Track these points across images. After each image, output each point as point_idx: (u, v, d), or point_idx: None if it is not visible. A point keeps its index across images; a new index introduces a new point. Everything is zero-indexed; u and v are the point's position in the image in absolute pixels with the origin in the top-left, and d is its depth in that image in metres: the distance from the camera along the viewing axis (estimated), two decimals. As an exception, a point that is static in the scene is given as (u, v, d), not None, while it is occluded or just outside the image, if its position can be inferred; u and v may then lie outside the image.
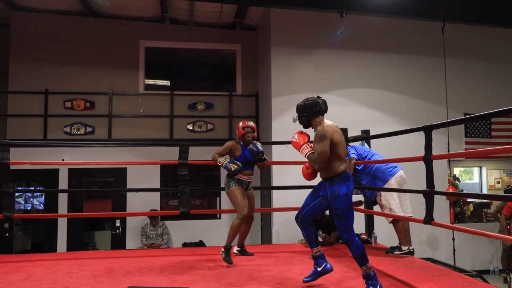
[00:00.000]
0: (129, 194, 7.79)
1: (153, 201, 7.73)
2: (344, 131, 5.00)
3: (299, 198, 5.88)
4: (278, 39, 7.49)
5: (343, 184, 3.10)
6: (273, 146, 7.08)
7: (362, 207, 5.23)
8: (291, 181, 6.46)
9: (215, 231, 7.79)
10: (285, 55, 7.45)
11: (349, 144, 4.98)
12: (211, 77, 9.44)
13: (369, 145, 5.31)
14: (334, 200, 3.11)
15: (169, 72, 9.13)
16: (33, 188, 8.29)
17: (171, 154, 7.31)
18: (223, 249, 4.17)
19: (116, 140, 7.91)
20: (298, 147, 3.26)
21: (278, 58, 7.43)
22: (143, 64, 8.55)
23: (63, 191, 7.74)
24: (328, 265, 3.30)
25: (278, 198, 6.74)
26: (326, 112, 3.27)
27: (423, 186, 3.76)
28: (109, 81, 8.28)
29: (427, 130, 3.63)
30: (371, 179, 4.68)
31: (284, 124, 7.23)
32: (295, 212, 6.41)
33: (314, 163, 3.13)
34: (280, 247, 5.25)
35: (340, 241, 5.07)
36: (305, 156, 3.22)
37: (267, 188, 7.23)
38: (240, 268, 3.93)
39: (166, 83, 9.19)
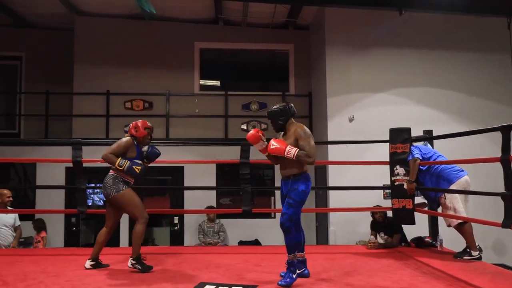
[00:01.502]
0: (186, 192, 8.00)
1: (210, 199, 7.90)
2: (407, 130, 4.91)
3: (356, 198, 5.89)
4: (333, 38, 7.44)
5: (304, 183, 3.42)
6: (329, 146, 7.05)
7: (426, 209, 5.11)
8: (348, 181, 6.43)
9: (270, 230, 7.85)
10: (340, 54, 7.39)
11: (412, 144, 4.89)
12: (264, 77, 9.51)
13: (431, 146, 5.18)
14: (291, 191, 3.40)
15: (222, 73, 9.28)
16: (93, 184, 8.69)
17: (226, 153, 7.48)
18: (133, 262, 3.77)
19: (173, 139, 8.15)
20: (282, 151, 3.39)
21: (333, 57, 7.39)
22: (198, 65, 8.76)
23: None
24: (307, 271, 3.57)
25: (335, 199, 6.71)
26: (295, 115, 3.57)
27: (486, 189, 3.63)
28: (166, 82, 8.55)
29: (505, 130, 3.50)
30: (435, 180, 4.57)
31: (340, 123, 7.20)
32: (353, 214, 6.38)
33: (310, 156, 3.34)
34: (339, 248, 5.22)
35: (403, 244, 4.99)
36: (293, 156, 3.35)
37: (323, 188, 7.21)
38: (309, 266, 3.95)
39: (219, 83, 9.35)
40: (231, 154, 7.36)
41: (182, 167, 8.06)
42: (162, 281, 3.47)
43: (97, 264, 3.95)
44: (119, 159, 3.73)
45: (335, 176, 6.93)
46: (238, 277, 3.63)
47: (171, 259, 4.34)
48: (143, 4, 7.15)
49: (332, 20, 7.46)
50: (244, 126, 8.53)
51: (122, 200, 3.77)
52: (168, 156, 7.48)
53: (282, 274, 3.43)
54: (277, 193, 8.09)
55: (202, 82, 8.87)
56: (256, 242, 7.80)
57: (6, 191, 5.35)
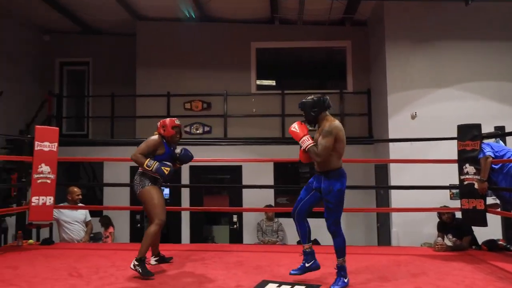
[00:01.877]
0: (244, 191, 8.08)
1: (267, 198, 7.92)
2: (477, 127, 4.64)
3: (419, 198, 5.65)
4: (392, 33, 7.20)
5: (338, 180, 3.26)
6: (390, 144, 6.83)
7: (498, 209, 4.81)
8: (410, 180, 6.20)
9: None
10: (400, 49, 7.14)
11: (483, 141, 4.61)
12: (321, 75, 9.40)
13: (504, 143, 4.87)
14: (327, 193, 3.25)
15: (278, 72, 9.28)
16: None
17: (283, 153, 7.48)
18: (135, 263, 3.52)
19: (231, 139, 8.26)
20: (298, 137, 3.31)
21: (393, 53, 7.16)
22: (255, 65, 8.82)
23: (185, 186, 8.27)
24: (317, 263, 3.48)
25: (397, 199, 6.49)
26: (330, 108, 3.41)
27: None
28: (224, 82, 8.68)
29: None
30: (510, 179, 4.29)
31: (401, 120, 6.96)
32: (416, 214, 6.13)
33: (317, 155, 3.22)
34: (403, 250, 5.04)
35: (474, 247, 4.72)
36: (305, 148, 3.28)
37: (384, 187, 7.00)
38: (373, 267, 3.85)
39: (275, 83, 9.36)
40: (288, 153, 7.35)
41: (240, 166, 8.14)
42: (225, 278, 3.52)
43: (161, 259, 4.01)
44: (147, 160, 3.66)
45: (396, 175, 6.70)
46: (301, 275, 3.60)
47: (232, 257, 4.39)
48: (183, 6, 7.39)
49: (391, 14, 7.23)
50: (301, 125, 8.46)
51: (143, 197, 3.70)
52: (226, 155, 7.64)
53: (294, 272, 3.44)
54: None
55: (258, 82, 8.92)
56: (315, 242, 7.71)
57: (76, 189, 5.62)
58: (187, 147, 7.84)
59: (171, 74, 8.83)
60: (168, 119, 3.89)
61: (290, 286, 3.29)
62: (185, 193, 8.18)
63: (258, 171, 7.92)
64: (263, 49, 8.99)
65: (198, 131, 8.54)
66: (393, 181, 6.70)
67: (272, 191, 8.16)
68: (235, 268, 3.89)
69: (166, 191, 8.84)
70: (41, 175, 4.82)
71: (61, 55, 9.93)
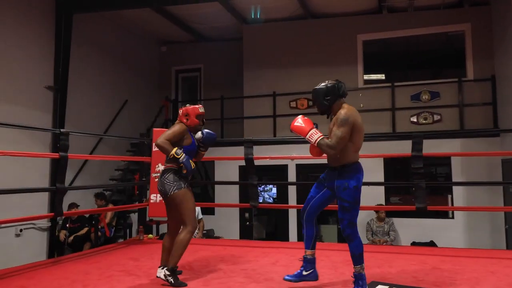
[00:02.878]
0: (353, 189, 7.79)
1: (378, 196, 7.55)
2: None
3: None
4: (521, 10, 6.35)
5: (354, 176, 2.92)
6: (521, 135, 6.03)
7: None
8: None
9: (446, 232, 7.13)
10: (531, 28, 6.27)
11: None
12: (435, 64, 8.69)
13: None
14: (342, 191, 2.90)
15: (387, 64, 8.81)
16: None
17: (394, 148, 7.05)
18: (167, 272, 3.20)
19: (338, 135, 8.04)
20: (304, 132, 2.97)
21: (522, 32, 6.31)
22: (361, 58, 8.48)
23: (291, 183, 8.27)
24: (316, 273, 3.10)
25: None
26: (346, 96, 3.04)
27: None
28: (329, 79, 8.35)
29: None
30: None
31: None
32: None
33: (331, 148, 2.86)
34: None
35: None
36: (314, 143, 2.92)
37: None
38: (501, 273, 3.42)
39: (383, 75, 8.90)
40: (400, 149, 6.91)
41: (348, 163, 7.87)
42: (332, 277, 3.41)
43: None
44: (175, 148, 3.23)
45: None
46: (414, 278, 3.34)
47: (340, 256, 4.23)
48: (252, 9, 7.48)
49: (519, -11, 6.39)
50: (414, 119, 7.92)
51: (179, 198, 3.24)
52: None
53: (288, 277, 3.10)
54: (455, 191, 7.29)
55: (366, 76, 8.55)
56: (431, 244, 7.14)
57: None
58: (294, 145, 7.84)
59: (277, 74, 8.91)
60: (190, 107, 3.42)
61: (402, 290, 3.05)
62: (292, 191, 8.18)
63: (367, 168, 7.51)
64: (370, 41, 8.60)
65: (301, 130, 8.47)
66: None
67: (382, 189, 7.75)
68: (342, 268, 3.75)
69: (271, 193, 8.98)
70: (158, 174, 5.18)
71: (176, 63, 10.67)
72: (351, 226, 2.94)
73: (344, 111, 2.95)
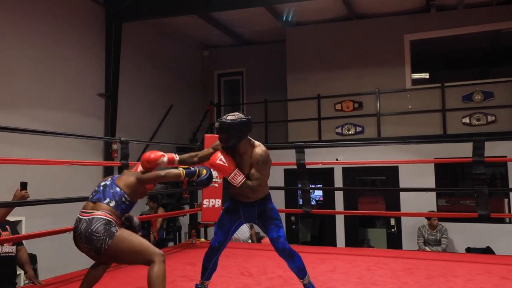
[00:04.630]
0: (402, 193, 7.63)
1: (429, 201, 7.33)
2: None
3: None
4: None
5: (271, 201, 3.03)
6: None
7: None
8: None
9: (503, 237, 6.85)
10: None
11: None
12: (488, 63, 8.39)
13: None
14: (270, 211, 2.96)
15: (436, 64, 8.58)
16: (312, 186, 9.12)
17: (445, 151, 6.85)
18: None
19: (385, 138, 7.90)
20: (227, 173, 2.82)
21: None
22: (409, 59, 8.27)
23: (338, 189, 8.18)
24: None
25: None
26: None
27: None
28: (375, 80, 8.35)
29: None
30: None
31: None
32: None
33: (254, 191, 2.85)
34: None
35: None
36: (237, 185, 2.82)
37: None
38: None
39: (431, 75, 8.67)
40: (451, 151, 6.71)
41: (397, 167, 7.71)
42: (396, 287, 3.33)
43: None
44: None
45: None
46: (484, 290, 3.22)
47: (399, 263, 4.14)
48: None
49: None
50: (466, 120, 7.65)
51: (120, 245, 2.59)
52: (380, 156, 7.30)
53: None
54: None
55: (414, 76, 8.35)
56: (488, 250, 6.88)
57: None
58: (340, 148, 7.72)
59: (321, 76, 8.83)
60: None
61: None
62: (339, 195, 8.08)
63: (416, 171, 7.38)
64: (418, 41, 8.36)
65: (349, 132, 8.36)
66: None
67: (433, 194, 7.53)
68: (404, 276, 3.66)
69: (319, 193, 8.89)
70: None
71: (218, 67, 10.78)
72: (286, 241, 2.92)
73: (261, 150, 2.86)
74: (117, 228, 2.62)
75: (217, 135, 2.86)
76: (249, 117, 2.89)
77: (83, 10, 7.21)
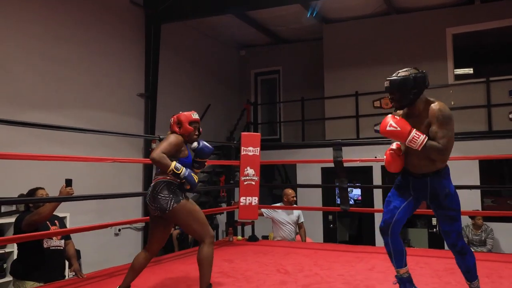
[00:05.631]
0: (445, 192, 7.37)
1: (473, 200, 7.04)
2: None
3: None
4: None
5: (450, 180, 2.58)
6: None
7: None
8: None
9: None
10: None
11: None
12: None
13: None
14: (444, 199, 2.56)
15: (480, 58, 8.24)
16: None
17: (489, 148, 6.56)
18: None
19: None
20: (403, 136, 2.48)
21: None
22: (451, 53, 7.99)
23: (376, 186, 8.02)
24: None
25: None
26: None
27: None
28: (415, 76, 8.11)
29: None
30: None
31: None
32: None
33: (442, 152, 2.45)
34: None
35: None
36: (418, 147, 2.47)
37: None
38: None
39: (475, 70, 8.32)
40: (497, 148, 6.42)
41: (439, 164, 7.46)
42: (438, 287, 3.23)
43: None
44: (174, 162, 2.82)
45: None
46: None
47: (441, 264, 4.01)
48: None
49: None
50: (514, 116, 7.32)
51: (183, 213, 2.86)
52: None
53: None
54: None
55: (456, 71, 8.05)
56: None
57: (290, 191, 5.68)
58: (378, 146, 7.58)
59: (359, 73, 8.68)
60: (183, 114, 3.02)
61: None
62: (377, 193, 7.91)
63: (460, 170, 7.08)
64: (461, 34, 8.07)
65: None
66: None
67: (478, 193, 7.23)
68: (446, 276, 3.54)
69: (357, 192, 8.74)
70: (247, 177, 5.27)
71: (255, 66, 10.82)
72: (461, 237, 2.64)
73: (441, 106, 2.55)
74: (183, 196, 2.89)
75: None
76: (424, 71, 2.60)
77: (123, 12, 7.43)
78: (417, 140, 2.48)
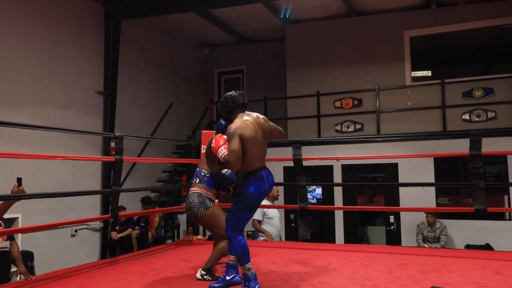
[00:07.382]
0: (401, 190, 7.59)
1: (427, 197, 7.30)
2: None
3: None
4: None
5: (253, 184, 3.00)
6: None
7: None
8: None
9: (503, 234, 6.80)
10: None
11: None
12: (488, 58, 8.34)
13: None
14: (238, 195, 3.09)
15: (436, 60, 8.53)
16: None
17: (444, 147, 6.80)
18: (203, 272, 3.38)
19: (385, 135, 7.85)
20: (215, 151, 3.09)
21: None
22: (409, 55, 8.23)
23: (336, 184, 8.14)
24: (238, 277, 3.15)
25: None
26: (245, 105, 3.09)
27: None
28: (374, 77, 8.32)
29: None
30: None
31: None
32: None
33: (226, 161, 2.95)
34: None
35: None
36: (221, 159, 3.06)
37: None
38: None
39: (433, 72, 8.61)
40: (451, 148, 6.65)
41: (396, 163, 7.67)
42: (389, 282, 3.31)
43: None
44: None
45: None
46: (477, 284, 3.18)
47: (394, 259, 4.12)
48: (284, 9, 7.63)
49: None
50: (466, 116, 7.60)
51: (211, 217, 3.43)
52: (380, 152, 7.26)
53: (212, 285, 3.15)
54: (513, 192, 6.94)
55: (414, 73, 8.30)
56: (487, 247, 6.83)
57: (274, 187, 5.73)
58: (339, 146, 7.70)
59: (321, 73, 8.81)
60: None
61: (466, 296, 2.92)
62: (338, 192, 8.05)
63: (416, 169, 7.35)
64: (418, 37, 8.33)
65: (349, 129, 8.33)
66: None
67: (433, 190, 7.47)
68: (397, 271, 3.64)
69: (320, 191, 8.86)
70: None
71: (218, 65, 10.79)
72: (233, 227, 3.04)
73: (232, 125, 3.00)
74: (212, 204, 3.45)
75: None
76: (232, 93, 3.09)
77: (81, 8, 7.23)
78: (220, 154, 3.05)
